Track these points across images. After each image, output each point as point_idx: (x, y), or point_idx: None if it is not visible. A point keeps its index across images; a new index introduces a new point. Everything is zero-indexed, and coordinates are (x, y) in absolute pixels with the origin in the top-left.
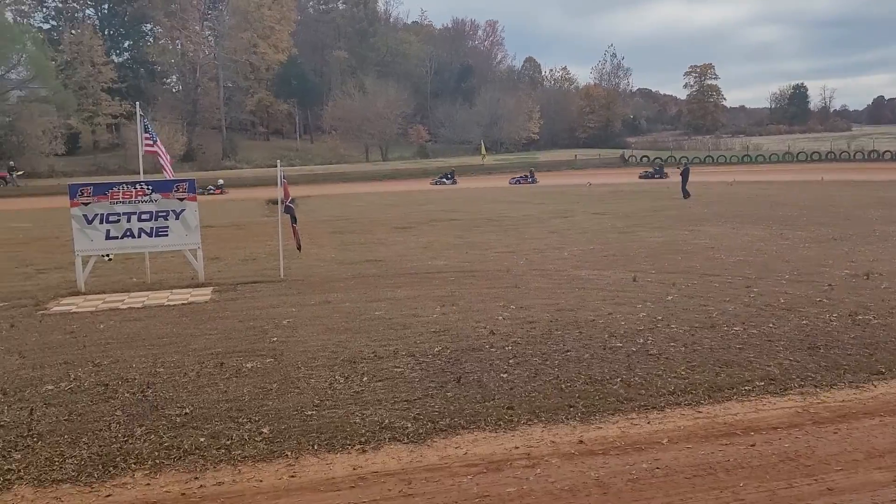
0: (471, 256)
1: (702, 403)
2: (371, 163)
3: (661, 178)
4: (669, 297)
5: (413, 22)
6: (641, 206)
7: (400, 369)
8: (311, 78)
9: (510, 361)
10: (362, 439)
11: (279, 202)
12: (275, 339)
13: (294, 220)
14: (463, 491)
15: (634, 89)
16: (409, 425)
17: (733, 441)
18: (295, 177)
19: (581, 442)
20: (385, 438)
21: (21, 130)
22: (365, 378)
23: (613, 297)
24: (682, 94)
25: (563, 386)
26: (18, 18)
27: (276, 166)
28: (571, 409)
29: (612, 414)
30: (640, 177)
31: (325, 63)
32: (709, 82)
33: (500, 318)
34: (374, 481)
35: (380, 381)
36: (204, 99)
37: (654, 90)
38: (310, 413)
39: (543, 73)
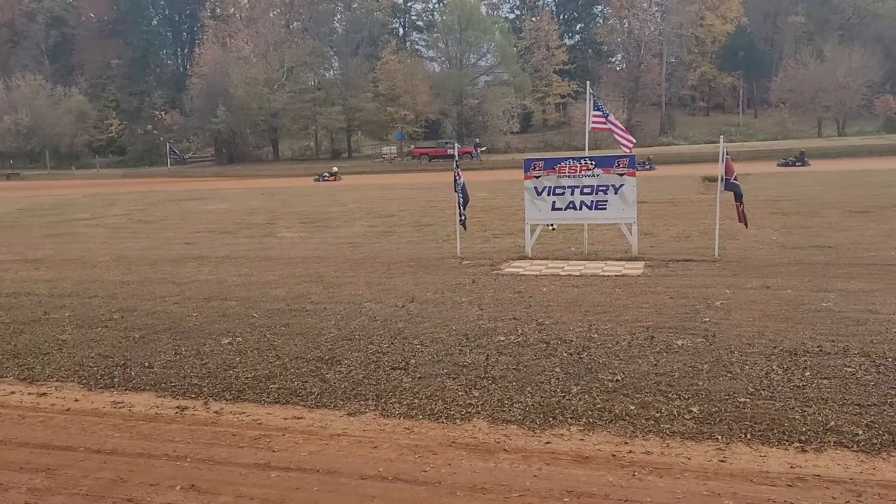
0: None
1: None
2: (823, 138)
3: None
4: None
5: None
6: None
7: (851, 369)
8: (760, 47)
9: None
10: (802, 438)
11: (719, 179)
12: (706, 319)
13: (739, 197)
14: None
15: None
16: (861, 432)
17: None
18: (734, 153)
19: None
20: (830, 442)
21: (486, 111)
22: (807, 373)
23: None
24: None
25: None
26: (489, 11)
27: (712, 142)
28: None
29: None
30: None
31: (776, 31)
32: None
33: None
34: (815, 485)
35: (825, 378)
36: (646, 76)
37: None
38: (743, 400)
39: None
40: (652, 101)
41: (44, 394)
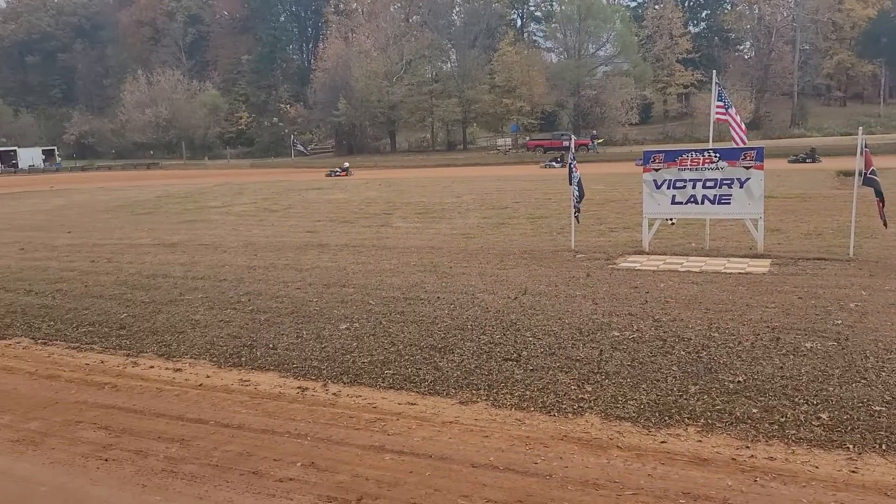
0: None
1: None
2: None
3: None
4: None
5: None
6: None
7: None
8: None
9: None
10: None
11: (857, 173)
12: (839, 321)
13: (879, 194)
14: None
15: None
16: None
17: None
18: (874, 146)
19: None
20: None
21: (603, 102)
22: None
23: None
24: None
25: None
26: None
27: (849, 134)
28: None
29: None
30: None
31: None
32: None
33: None
34: None
35: None
36: (776, 64)
37: None
38: (878, 409)
39: None
40: (782, 90)
41: (179, 369)
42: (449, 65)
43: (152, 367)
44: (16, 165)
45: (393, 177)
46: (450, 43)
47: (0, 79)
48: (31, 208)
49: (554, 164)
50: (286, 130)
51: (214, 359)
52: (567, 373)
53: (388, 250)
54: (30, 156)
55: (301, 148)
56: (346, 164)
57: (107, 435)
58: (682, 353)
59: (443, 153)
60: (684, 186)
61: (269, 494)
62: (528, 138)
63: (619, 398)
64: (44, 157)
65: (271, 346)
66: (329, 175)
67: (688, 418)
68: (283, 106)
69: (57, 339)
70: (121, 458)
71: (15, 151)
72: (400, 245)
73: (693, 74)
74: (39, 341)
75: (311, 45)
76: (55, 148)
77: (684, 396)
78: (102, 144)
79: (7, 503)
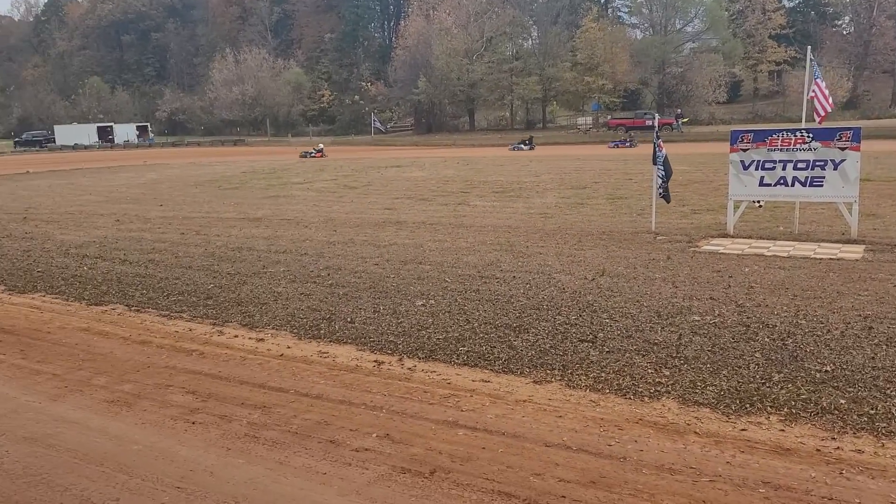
0: None
1: None
2: None
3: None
4: None
5: None
6: None
7: None
8: None
9: None
10: None
11: None
12: None
13: None
14: None
15: None
16: None
17: None
18: None
19: None
20: None
21: (690, 80)
22: None
23: None
24: None
25: None
26: None
27: None
28: None
29: None
30: None
31: None
32: None
33: None
34: None
35: None
36: (877, 40)
37: None
38: None
39: None
40: (883, 68)
41: (261, 339)
42: (530, 42)
43: (236, 336)
44: (112, 140)
45: (471, 155)
46: (531, 19)
47: (98, 57)
48: (125, 182)
49: (522, 146)
50: (366, 108)
51: (295, 330)
52: (644, 356)
53: (464, 228)
54: (125, 131)
55: (380, 126)
56: (321, 145)
57: (194, 399)
58: (767, 339)
59: (521, 132)
60: (774, 167)
61: (345, 463)
62: (609, 117)
63: (698, 383)
64: (138, 132)
65: (349, 319)
66: (303, 157)
67: (770, 407)
68: (363, 84)
69: (149, 307)
70: (206, 422)
71: (111, 127)
72: (477, 223)
73: (786, 51)
74: (133, 308)
75: (392, 23)
76: (148, 124)
77: (767, 384)
78: (192, 121)
79: (104, 459)
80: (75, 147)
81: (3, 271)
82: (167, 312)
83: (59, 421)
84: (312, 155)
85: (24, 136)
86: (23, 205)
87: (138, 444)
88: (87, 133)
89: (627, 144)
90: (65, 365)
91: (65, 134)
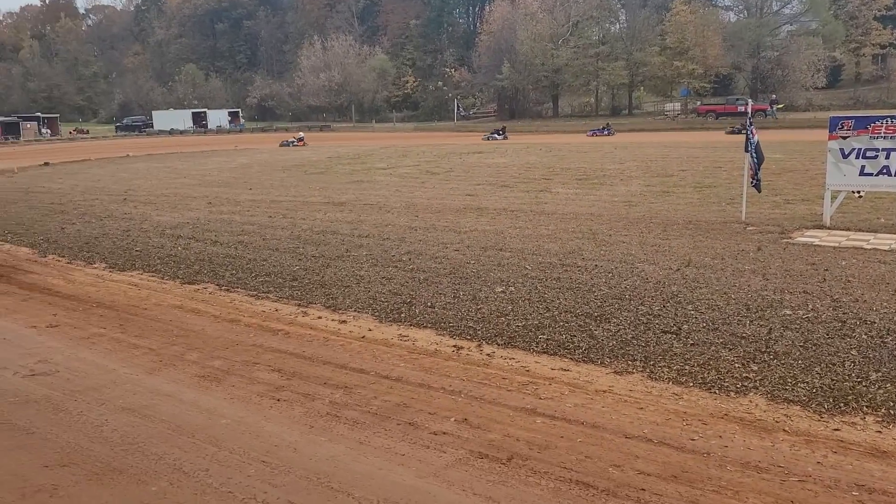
0: None
1: None
2: None
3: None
4: None
5: None
6: None
7: None
8: None
9: None
10: None
11: None
12: None
13: None
14: None
15: None
16: None
17: None
18: None
19: None
20: None
21: (786, 64)
22: None
23: None
24: None
25: None
26: None
27: None
28: None
29: None
30: None
31: None
32: None
33: None
34: None
35: None
36: None
37: None
38: None
39: None
40: None
41: (344, 321)
42: (617, 26)
43: (320, 317)
44: (206, 126)
45: (553, 142)
46: (619, 3)
47: (193, 45)
48: (217, 166)
49: (496, 135)
50: (450, 94)
51: (376, 313)
52: (731, 350)
53: (545, 216)
54: (217, 117)
55: (463, 112)
56: (301, 134)
57: (279, 377)
58: (864, 336)
59: (606, 118)
60: (876, 156)
61: (423, 445)
62: (698, 103)
63: (789, 380)
64: (229, 118)
65: (429, 304)
66: (283, 145)
67: (866, 407)
68: (447, 70)
69: (238, 287)
70: (291, 400)
71: (205, 113)
72: (558, 211)
73: (892, 33)
74: (223, 288)
75: (477, 9)
76: (239, 110)
77: (864, 383)
78: (281, 107)
79: (195, 431)
80: (171, 132)
81: (105, 250)
82: (255, 292)
83: (155, 393)
84: (295, 144)
85: (124, 121)
86: (123, 187)
87: (227, 418)
88: (182, 119)
89: (606, 133)
90: (160, 340)
91: (162, 119)
